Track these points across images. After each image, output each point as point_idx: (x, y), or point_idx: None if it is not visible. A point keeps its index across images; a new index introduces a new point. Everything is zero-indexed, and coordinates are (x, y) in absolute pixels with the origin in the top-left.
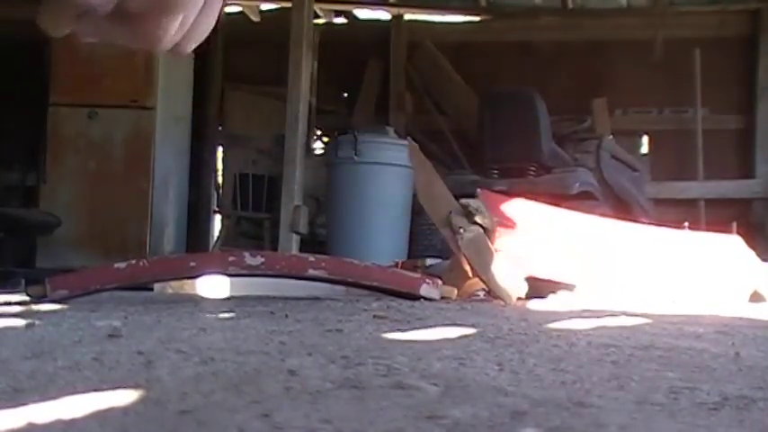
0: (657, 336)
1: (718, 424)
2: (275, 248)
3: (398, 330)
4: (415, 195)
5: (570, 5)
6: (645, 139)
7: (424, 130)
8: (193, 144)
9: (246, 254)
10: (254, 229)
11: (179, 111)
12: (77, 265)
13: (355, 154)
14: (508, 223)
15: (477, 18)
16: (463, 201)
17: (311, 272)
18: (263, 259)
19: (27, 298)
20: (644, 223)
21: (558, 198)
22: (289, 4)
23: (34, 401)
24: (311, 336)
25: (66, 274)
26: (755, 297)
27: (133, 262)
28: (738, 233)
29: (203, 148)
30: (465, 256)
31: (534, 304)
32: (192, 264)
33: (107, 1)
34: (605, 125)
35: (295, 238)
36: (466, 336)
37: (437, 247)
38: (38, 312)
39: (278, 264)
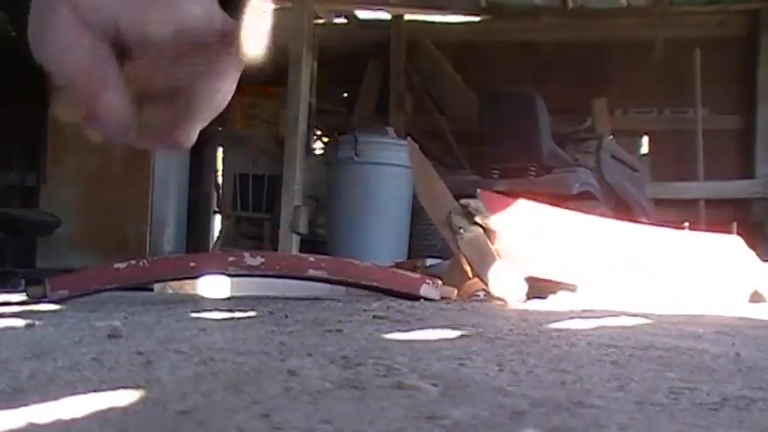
0: (658, 336)
1: (718, 424)
2: (275, 249)
3: (398, 331)
4: (415, 195)
5: (570, 5)
6: (645, 140)
7: (424, 130)
8: (193, 144)
9: (246, 254)
10: (254, 230)
11: None
12: (77, 265)
13: (355, 154)
14: (508, 223)
15: (477, 18)
16: (463, 201)
17: (311, 272)
18: (263, 259)
19: (27, 298)
20: (644, 223)
21: (559, 198)
22: (289, 4)
23: (34, 401)
24: (311, 336)
25: (66, 274)
26: (755, 297)
27: (133, 262)
28: (738, 233)
29: (203, 148)
30: (465, 256)
31: (534, 304)
32: (192, 264)
33: (126, 124)
34: (605, 125)
35: (295, 238)
36: (466, 336)
37: (437, 247)
38: (38, 312)
39: (278, 264)
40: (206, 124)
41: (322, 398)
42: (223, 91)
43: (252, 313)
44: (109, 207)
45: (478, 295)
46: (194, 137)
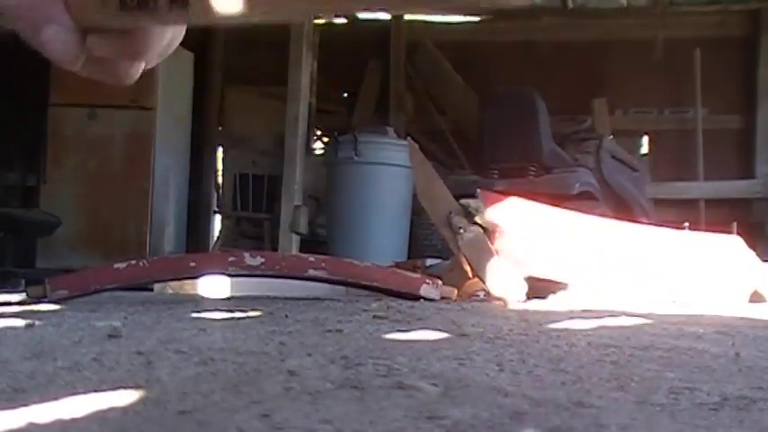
0: (658, 336)
1: (718, 424)
2: (275, 249)
3: (398, 331)
4: (415, 195)
5: (570, 5)
6: (645, 140)
7: (424, 130)
8: (193, 144)
9: (246, 254)
10: (254, 230)
11: (179, 111)
12: (77, 265)
13: (355, 154)
14: (508, 223)
15: (477, 18)
16: (463, 201)
17: (311, 272)
18: (263, 259)
19: (27, 298)
20: (644, 223)
21: (559, 198)
22: None
23: (34, 401)
24: (311, 336)
25: (66, 274)
26: (755, 297)
27: (133, 262)
28: (738, 233)
29: (203, 148)
30: (465, 256)
31: (534, 304)
32: (192, 264)
33: (72, 56)
34: (605, 125)
35: (295, 238)
36: (466, 336)
37: (437, 247)
38: (38, 312)
39: (278, 264)
40: (150, 66)
41: (322, 398)
42: (171, 35)
43: (252, 313)
44: (109, 207)
45: (478, 295)
46: (137, 75)
